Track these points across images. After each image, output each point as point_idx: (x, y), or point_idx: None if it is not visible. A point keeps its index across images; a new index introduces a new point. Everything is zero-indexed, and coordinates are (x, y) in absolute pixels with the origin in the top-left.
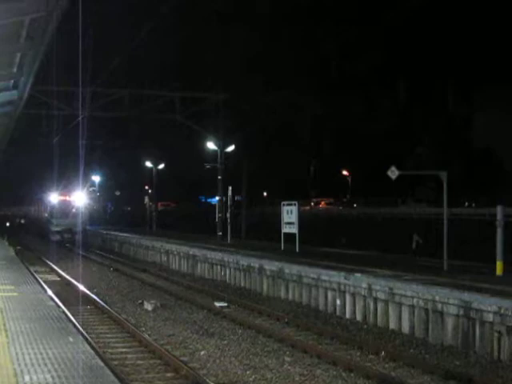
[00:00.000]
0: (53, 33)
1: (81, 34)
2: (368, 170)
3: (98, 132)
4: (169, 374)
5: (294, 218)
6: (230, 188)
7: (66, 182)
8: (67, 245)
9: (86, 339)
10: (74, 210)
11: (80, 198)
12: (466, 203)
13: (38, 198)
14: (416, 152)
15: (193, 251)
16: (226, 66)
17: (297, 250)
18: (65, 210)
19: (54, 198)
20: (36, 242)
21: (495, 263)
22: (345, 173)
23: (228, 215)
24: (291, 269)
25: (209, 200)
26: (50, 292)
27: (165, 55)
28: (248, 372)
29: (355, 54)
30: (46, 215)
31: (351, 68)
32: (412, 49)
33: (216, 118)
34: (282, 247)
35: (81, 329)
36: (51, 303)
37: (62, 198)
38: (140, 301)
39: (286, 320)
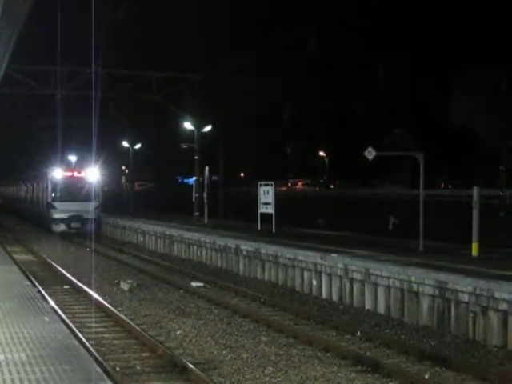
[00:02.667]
0: (28, 11)
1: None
2: (345, 151)
3: (74, 112)
4: (145, 354)
5: (270, 198)
6: (207, 168)
7: (74, 152)
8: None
9: (62, 319)
10: (85, 191)
11: (94, 175)
12: (443, 185)
13: (29, 175)
14: (394, 133)
15: (169, 231)
16: (203, 45)
17: (273, 230)
18: (73, 190)
19: (57, 173)
20: (13, 220)
21: (471, 244)
22: (322, 154)
23: (205, 195)
24: (267, 249)
25: (186, 180)
26: (25, 271)
27: (142, 34)
28: (224, 352)
29: (334, 36)
30: (44, 197)
31: (330, 50)
32: (390, 30)
33: (193, 98)
34: (259, 227)
35: (57, 308)
36: (27, 282)
37: (70, 173)
38: (116, 281)
39: (262, 300)
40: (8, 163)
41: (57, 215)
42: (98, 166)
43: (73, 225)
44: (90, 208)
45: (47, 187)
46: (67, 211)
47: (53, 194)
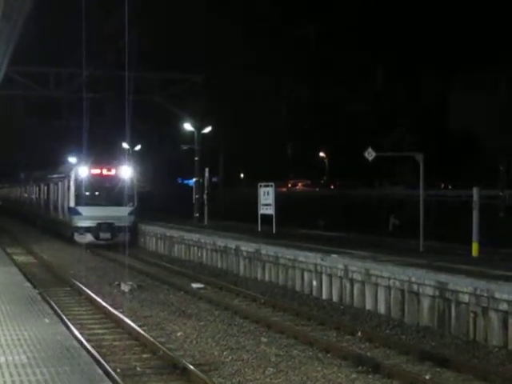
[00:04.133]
0: (28, 12)
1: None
2: (345, 151)
3: (74, 113)
4: (145, 355)
5: (270, 199)
6: (207, 169)
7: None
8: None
9: (62, 320)
10: (117, 192)
11: (128, 172)
12: (443, 185)
13: (43, 173)
14: (394, 134)
15: (170, 232)
16: (205, 47)
17: (273, 231)
18: (102, 191)
19: (82, 171)
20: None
21: (471, 244)
22: (322, 154)
23: (205, 196)
24: (268, 250)
25: (186, 182)
26: (25, 273)
27: (144, 35)
28: (225, 353)
29: (332, 36)
30: (65, 201)
31: (329, 49)
32: (389, 30)
33: (194, 99)
34: (259, 228)
35: (57, 310)
36: (27, 284)
37: (97, 171)
38: (117, 282)
39: (263, 301)
40: (9, 161)
41: (81, 223)
42: (131, 161)
43: (102, 235)
44: (124, 213)
45: (69, 188)
46: (95, 218)
47: (76, 197)
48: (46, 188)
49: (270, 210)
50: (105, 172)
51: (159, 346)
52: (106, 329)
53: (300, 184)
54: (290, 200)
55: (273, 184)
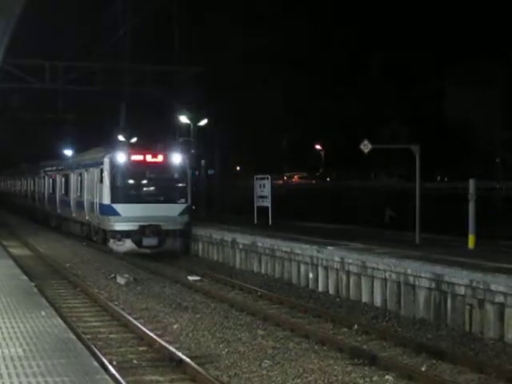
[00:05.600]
0: (23, 5)
1: None
2: (341, 143)
3: (70, 106)
4: (142, 348)
5: (266, 191)
6: (203, 161)
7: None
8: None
9: (58, 313)
10: (166, 186)
11: (180, 159)
12: (439, 177)
13: (58, 163)
14: (390, 126)
15: None
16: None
17: (270, 223)
18: (147, 184)
19: (119, 158)
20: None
21: (467, 237)
22: (318, 147)
23: (201, 189)
24: (264, 242)
25: None
26: (23, 266)
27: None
28: (221, 345)
29: (328, 28)
30: (95, 197)
31: (325, 42)
32: (386, 23)
33: (189, 91)
34: (255, 221)
35: (53, 302)
36: (24, 277)
37: (140, 157)
38: (113, 275)
39: (259, 293)
40: (6, 154)
41: (119, 226)
42: (182, 146)
43: (146, 241)
44: (174, 213)
45: (101, 180)
46: (136, 219)
47: (112, 192)
48: (63, 180)
49: (267, 202)
50: (150, 158)
51: (155, 338)
52: (102, 321)
53: (296, 176)
54: (286, 192)
55: (268, 176)
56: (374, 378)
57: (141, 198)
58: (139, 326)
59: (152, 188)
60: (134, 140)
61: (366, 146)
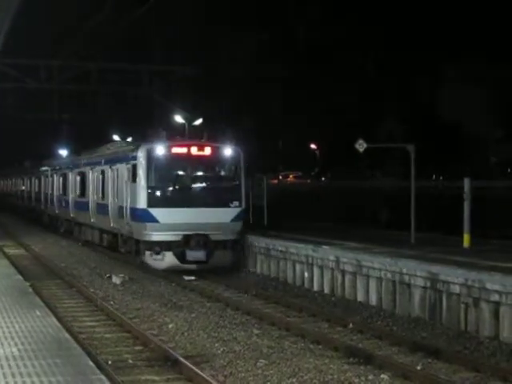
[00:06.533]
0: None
1: None
2: (336, 143)
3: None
4: (137, 348)
5: (261, 191)
6: None
7: None
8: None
9: (53, 313)
10: (216, 186)
11: (232, 152)
12: (434, 176)
13: (73, 159)
14: (384, 125)
15: None
16: (196, 38)
17: (265, 222)
18: (192, 184)
19: (158, 150)
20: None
21: (462, 235)
22: (313, 146)
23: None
24: (259, 241)
25: None
26: (18, 266)
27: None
28: (216, 344)
29: (322, 26)
30: (124, 200)
31: (318, 41)
32: (379, 21)
33: (184, 91)
34: (251, 220)
35: (48, 302)
36: (19, 277)
37: (183, 150)
38: (108, 274)
39: (254, 293)
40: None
41: (158, 236)
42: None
43: (191, 255)
44: (226, 219)
45: (134, 178)
46: (179, 227)
47: (149, 193)
48: (77, 179)
49: (262, 202)
50: (196, 151)
51: (151, 338)
52: (98, 321)
53: (291, 176)
54: (281, 191)
55: (264, 176)
56: (370, 377)
57: (185, 200)
58: (134, 325)
59: (198, 188)
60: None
61: (361, 146)
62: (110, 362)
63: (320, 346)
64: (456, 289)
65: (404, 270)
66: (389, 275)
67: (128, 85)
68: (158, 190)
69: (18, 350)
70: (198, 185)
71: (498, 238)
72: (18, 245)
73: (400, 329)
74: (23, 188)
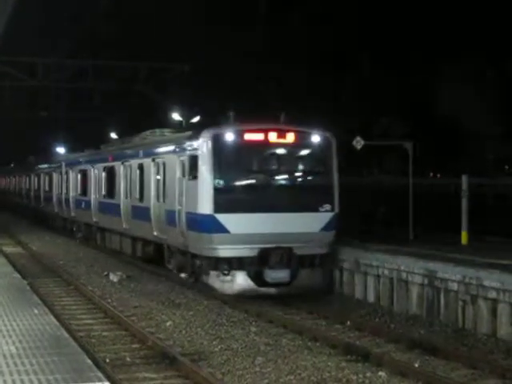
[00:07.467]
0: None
1: None
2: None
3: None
4: (135, 346)
5: None
6: None
7: None
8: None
9: (51, 311)
10: (303, 184)
11: (322, 142)
12: (431, 173)
13: (95, 152)
14: (380, 122)
15: None
16: (191, 36)
17: None
18: (272, 183)
19: (227, 136)
20: None
21: (460, 233)
22: None
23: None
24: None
25: None
26: (15, 264)
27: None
28: (214, 342)
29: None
30: (169, 202)
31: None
32: (375, 18)
33: (181, 88)
34: None
35: (46, 300)
36: (16, 275)
37: (259, 137)
38: (106, 272)
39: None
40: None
41: (227, 250)
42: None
43: (271, 275)
44: (315, 228)
45: (194, 175)
46: (255, 239)
47: (216, 195)
48: (103, 175)
49: None
50: (275, 138)
51: (148, 335)
52: (95, 319)
53: None
54: None
55: None
56: (368, 374)
57: (262, 203)
58: (132, 323)
59: (280, 187)
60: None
61: (358, 143)
62: (107, 360)
63: (318, 344)
64: (454, 286)
65: (402, 267)
66: (386, 272)
67: (125, 82)
68: (227, 189)
69: (16, 348)
70: (279, 182)
71: (496, 235)
72: (16, 243)
73: (398, 326)
74: (29, 187)
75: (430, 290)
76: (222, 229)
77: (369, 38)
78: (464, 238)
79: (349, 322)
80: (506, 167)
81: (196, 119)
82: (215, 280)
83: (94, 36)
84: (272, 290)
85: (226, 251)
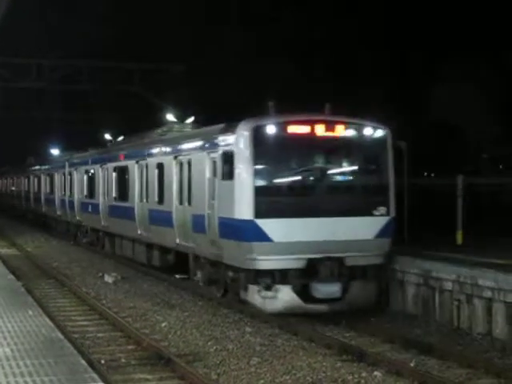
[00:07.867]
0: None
1: None
2: None
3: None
4: (130, 347)
5: None
6: None
7: None
8: None
9: (46, 312)
10: (352, 183)
11: (379, 136)
12: (425, 173)
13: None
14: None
15: None
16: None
17: None
18: (321, 183)
19: (269, 130)
20: None
21: (456, 232)
22: None
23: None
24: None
25: None
26: (10, 266)
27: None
28: (209, 343)
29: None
30: (199, 205)
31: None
32: (372, 17)
33: (175, 89)
34: None
35: (41, 302)
36: (11, 276)
37: (306, 129)
38: (100, 274)
39: None
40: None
41: (269, 261)
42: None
43: (319, 290)
44: (369, 235)
45: (229, 175)
46: (302, 248)
47: (257, 198)
48: (114, 176)
49: None
50: (323, 131)
51: (143, 337)
52: (90, 320)
53: None
54: None
55: None
56: (363, 374)
57: (309, 207)
58: (127, 324)
59: (329, 188)
60: None
61: None
62: (102, 361)
63: (313, 344)
64: (449, 285)
65: (397, 267)
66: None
67: (119, 83)
68: (269, 191)
69: (11, 349)
70: (329, 183)
71: (491, 234)
72: (10, 244)
73: (393, 326)
74: (28, 188)
75: (426, 289)
76: (263, 237)
77: (369, 38)
78: (459, 237)
79: (344, 322)
80: (500, 166)
81: (190, 120)
82: (255, 296)
83: (89, 37)
84: (322, 307)
85: (267, 262)
